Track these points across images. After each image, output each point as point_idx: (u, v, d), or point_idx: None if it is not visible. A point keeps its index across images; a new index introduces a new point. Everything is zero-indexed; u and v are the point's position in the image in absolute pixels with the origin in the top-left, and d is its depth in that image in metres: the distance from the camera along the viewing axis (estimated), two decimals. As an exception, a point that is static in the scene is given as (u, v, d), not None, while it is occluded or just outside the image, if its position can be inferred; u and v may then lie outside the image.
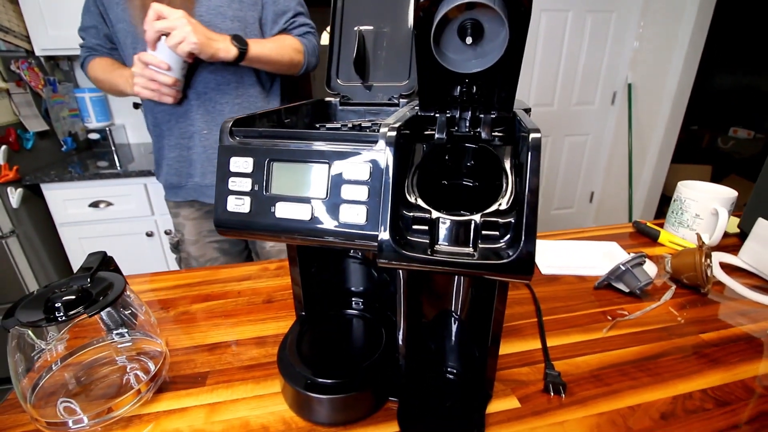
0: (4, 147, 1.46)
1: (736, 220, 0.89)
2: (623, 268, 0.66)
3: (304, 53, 1.07)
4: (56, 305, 0.41)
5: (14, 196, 1.50)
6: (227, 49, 0.88)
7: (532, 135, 0.29)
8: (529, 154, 0.29)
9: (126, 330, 0.53)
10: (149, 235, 1.72)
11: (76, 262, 1.73)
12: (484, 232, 0.31)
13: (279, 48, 0.99)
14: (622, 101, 2.57)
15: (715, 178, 3.10)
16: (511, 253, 0.29)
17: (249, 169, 0.36)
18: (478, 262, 0.30)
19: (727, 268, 0.75)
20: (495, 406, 0.47)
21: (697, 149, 3.61)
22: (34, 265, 1.59)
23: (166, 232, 1.74)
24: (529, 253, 0.28)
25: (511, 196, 0.33)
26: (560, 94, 2.52)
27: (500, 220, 0.30)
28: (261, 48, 0.95)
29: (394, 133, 0.32)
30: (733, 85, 3.57)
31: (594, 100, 2.60)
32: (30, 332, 0.43)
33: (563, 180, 2.81)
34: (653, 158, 2.51)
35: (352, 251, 0.56)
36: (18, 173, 1.50)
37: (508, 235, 0.30)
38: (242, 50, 0.90)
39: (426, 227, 0.32)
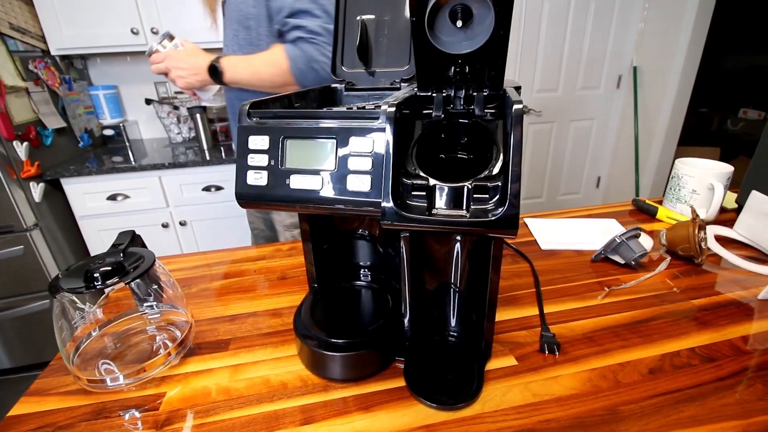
0: (25, 144, 1.52)
1: (734, 196, 0.91)
2: (618, 241, 0.70)
3: (291, 70, 0.91)
4: (95, 275, 0.46)
5: (36, 190, 1.57)
6: (205, 82, 0.96)
7: (515, 106, 0.33)
8: (513, 124, 0.32)
9: (155, 303, 0.58)
10: (165, 226, 1.78)
11: (96, 252, 1.80)
12: (475, 196, 0.35)
13: (253, 74, 0.95)
14: (627, 85, 2.56)
15: (724, 160, 3.07)
16: (498, 212, 0.32)
17: (266, 146, 0.40)
18: (469, 220, 0.34)
19: (722, 240, 0.78)
20: (494, 364, 0.51)
21: (707, 132, 3.57)
22: (57, 257, 1.66)
23: (180, 223, 1.80)
24: (513, 210, 0.32)
25: (500, 164, 0.36)
26: (565, 78, 2.52)
27: (489, 184, 0.34)
28: (233, 76, 0.95)
29: (393, 109, 0.36)
30: (743, 66, 3.52)
31: (599, 84, 2.59)
32: (74, 297, 0.48)
33: (569, 165, 2.82)
34: (660, 141, 2.50)
35: (359, 229, 0.60)
36: (39, 169, 1.57)
37: (496, 197, 0.34)
38: (219, 83, 0.97)
39: (424, 193, 0.36)
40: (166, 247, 1.84)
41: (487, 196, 0.35)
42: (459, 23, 0.34)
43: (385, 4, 0.57)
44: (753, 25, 3.34)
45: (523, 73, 2.45)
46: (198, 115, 1.90)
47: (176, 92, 2.13)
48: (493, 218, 0.33)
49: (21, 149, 1.51)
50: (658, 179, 2.64)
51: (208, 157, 1.77)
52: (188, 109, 1.98)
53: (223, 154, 1.82)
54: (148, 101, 2.05)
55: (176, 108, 2.10)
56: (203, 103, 1.03)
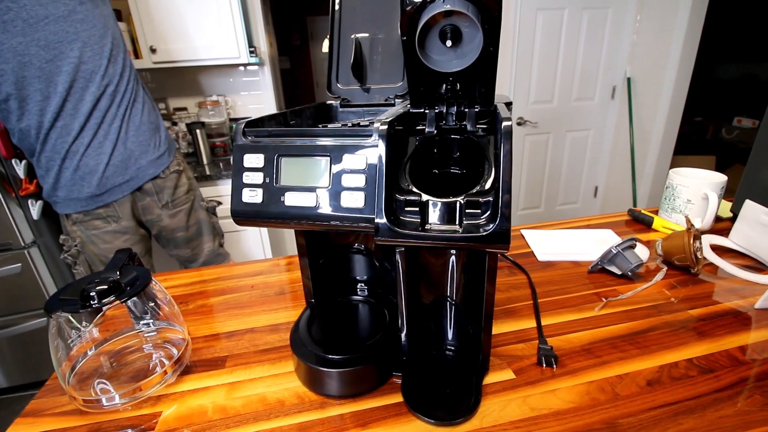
0: (24, 162, 1.53)
1: (729, 205, 0.91)
2: (614, 252, 0.70)
3: None
4: (91, 294, 0.46)
5: (35, 208, 1.57)
6: None
7: (504, 123, 0.33)
8: (502, 140, 0.33)
9: (152, 320, 0.58)
10: (163, 241, 1.78)
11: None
12: (467, 211, 0.35)
13: None
14: (622, 95, 2.59)
15: (720, 168, 3.10)
16: (489, 227, 0.33)
17: (260, 164, 0.41)
18: (462, 236, 0.34)
19: (718, 249, 0.78)
20: (492, 378, 0.50)
21: (702, 140, 3.60)
22: (55, 274, 1.66)
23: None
24: (504, 225, 0.32)
25: (492, 179, 0.37)
26: (560, 90, 2.55)
27: (480, 199, 0.34)
28: None
29: (385, 127, 0.37)
30: (737, 74, 3.57)
31: (594, 95, 2.63)
32: (70, 317, 0.48)
33: (567, 175, 2.84)
34: (655, 151, 2.53)
35: (356, 244, 0.61)
36: (38, 186, 1.57)
37: (488, 212, 0.34)
38: None
39: (417, 209, 0.37)
40: (164, 263, 1.83)
41: (479, 211, 0.35)
42: (449, 43, 0.35)
43: (379, 23, 0.59)
44: (744, 34, 3.40)
45: (518, 85, 2.48)
46: (197, 131, 1.91)
47: (175, 108, 2.15)
48: (485, 233, 0.33)
49: (20, 167, 1.51)
50: (655, 188, 2.65)
51: (207, 173, 1.78)
52: (187, 125, 2.00)
53: (221, 169, 1.84)
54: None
55: (175, 124, 2.11)
56: None
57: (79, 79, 1.05)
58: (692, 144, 3.34)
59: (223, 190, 1.79)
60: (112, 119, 1.13)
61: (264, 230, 1.94)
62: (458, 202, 0.35)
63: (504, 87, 2.46)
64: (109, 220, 1.22)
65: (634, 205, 2.71)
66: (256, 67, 2.19)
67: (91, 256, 1.26)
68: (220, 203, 1.78)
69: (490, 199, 0.34)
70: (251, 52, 1.92)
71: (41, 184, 1.21)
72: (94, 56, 1.06)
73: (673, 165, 2.66)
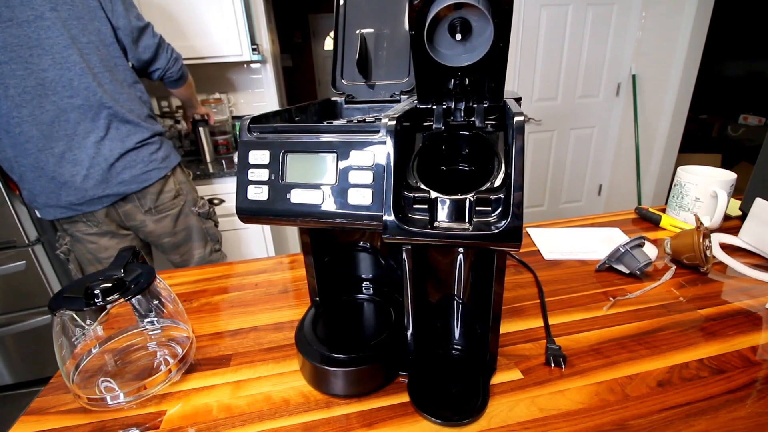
0: (28, 159, 1.53)
1: (738, 203, 0.90)
2: (622, 250, 0.69)
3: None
4: (95, 292, 0.46)
5: (39, 205, 1.57)
6: None
7: (516, 118, 0.32)
8: (514, 135, 0.32)
9: (156, 318, 0.57)
10: (166, 239, 1.78)
11: (98, 267, 1.79)
12: (477, 208, 0.34)
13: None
14: (626, 92, 2.57)
15: (726, 166, 3.06)
16: (501, 225, 0.32)
17: (266, 161, 0.40)
18: (472, 234, 0.33)
19: (728, 248, 0.77)
20: (499, 378, 0.50)
21: (708, 138, 3.58)
22: (59, 272, 1.66)
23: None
24: (516, 223, 0.32)
25: (502, 176, 0.36)
26: (564, 87, 2.54)
27: (491, 196, 0.34)
28: None
29: (393, 123, 0.36)
30: (742, 72, 3.54)
31: (598, 92, 2.61)
32: (74, 314, 0.48)
33: (570, 173, 2.82)
34: (661, 148, 2.51)
35: (361, 242, 0.60)
36: (42, 184, 1.57)
37: (499, 209, 0.34)
38: None
39: (426, 206, 0.36)
40: (164, 261, 1.83)
41: (490, 208, 0.34)
42: (458, 36, 0.34)
43: (384, 18, 0.58)
44: (751, 31, 3.37)
45: (522, 82, 2.47)
46: (200, 129, 1.91)
47: (177, 106, 2.15)
48: (496, 231, 0.32)
49: (24, 165, 1.51)
50: (660, 186, 2.64)
51: (210, 170, 1.78)
52: (192, 122, 1.99)
53: (224, 167, 1.83)
54: (151, 115, 2.06)
55: (177, 122, 2.11)
56: None
57: (37, 86, 1.03)
58: (698, 142, 3.32)
59: (223, 188, 1.78)
60: (86, 132, 1.10)
61: (267, 228, 1.93)
62: (468, 200, 0.35)
63: (507, 84, 2.44)
64: (89, 224, 1.22)
65: (639, 203, 2.69)
66: (258, 65, 2.18)
67: (80, 254, 1.27)
68: (222, 201, 1.78)
69: (501, 196, 0.34)
70: (254, 50, 1.91)
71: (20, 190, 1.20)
72: (54, 65, 1.03)
73: (678, 163, 2.64)
